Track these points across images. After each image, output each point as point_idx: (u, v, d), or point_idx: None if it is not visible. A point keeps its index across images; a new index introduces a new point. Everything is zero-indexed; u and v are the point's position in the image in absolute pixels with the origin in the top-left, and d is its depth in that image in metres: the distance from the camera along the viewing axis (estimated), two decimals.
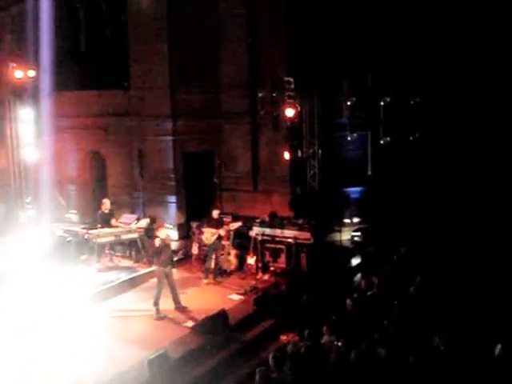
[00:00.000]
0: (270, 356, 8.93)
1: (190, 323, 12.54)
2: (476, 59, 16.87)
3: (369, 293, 12.07)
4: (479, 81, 16.91)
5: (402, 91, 17.33)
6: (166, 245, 13.52)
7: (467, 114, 17.22)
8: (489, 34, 16.59)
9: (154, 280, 13.86)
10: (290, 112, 16.42)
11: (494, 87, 16.91)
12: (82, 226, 17.44)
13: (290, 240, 15.73)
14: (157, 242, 13.41)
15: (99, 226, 16.13)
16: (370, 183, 17.86)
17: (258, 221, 16.38)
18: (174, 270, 13.66)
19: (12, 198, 18.36)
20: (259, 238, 15.98)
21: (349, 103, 16.64)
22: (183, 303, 13.65)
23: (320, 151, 17.35)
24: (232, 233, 15.97)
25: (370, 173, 17.82)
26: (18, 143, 18.16)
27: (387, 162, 17.70)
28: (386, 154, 17.70)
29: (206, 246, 15.78)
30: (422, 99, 17.58)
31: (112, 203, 16.66)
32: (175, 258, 16.55)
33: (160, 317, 13.11)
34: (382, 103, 17.26)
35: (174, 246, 17.40)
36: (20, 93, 17.68)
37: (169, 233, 14.24)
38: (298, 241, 15.61)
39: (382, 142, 17.57)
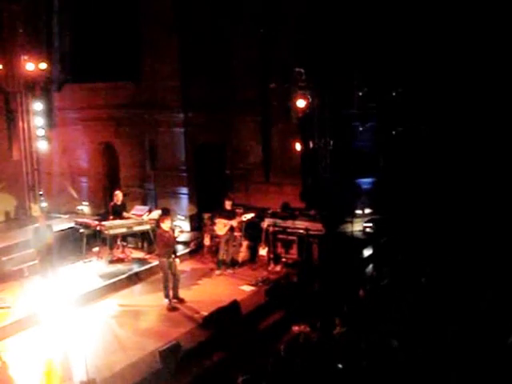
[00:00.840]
0: (282, 347, 8.93)
1: (202, 314, 12.55)
2: (489, 49, 16.71)
3: (381, 284, 12.05)
4: (492, 71, 16.75)
5: (413, 82, 17.21)
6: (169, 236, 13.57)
7: (480, 104, 17.07)
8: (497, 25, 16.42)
9: None
10: (301, 103, 16.36)
11: (505, 78, 16.76)
12: (94, 218, 17.52)
13: (301, 231, 15.71)
14: (176, 232, 13.51)
15: (111, 217, 16.18)
16: (382, 174, 17.78)
17: (269, 212, 16.37)
18: (178, 261, 13.65)
19: (25, 191, 18.47)
20: (271, 229, 15.97)
21: (360, 94, 16.57)
22: (194, 294, 13.74)
23: (331, 142, 17.28)
24: (244, 224, 15.99)
25: (381, 163, 17.73)
26: (30, 136, 18.31)
27: (399, 152, 17.61)
28: (398, 145, 17.60)
29: (218, 237, 15.82)
30: (434, 89, 17.44)
31: (124, 195, 16.71)
32: (187, 250, 16.70)
33: (172, 308, 13.16)
34: (393, 93, 17.16)
35: (186, 237, 17.50)
36: (32, 85, 17.77)
37: (171, 224, 14.22)
38: (310, 232, 15.58)
39: (393, 132, 17.47)
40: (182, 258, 15.84)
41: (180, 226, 17.60)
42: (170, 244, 13.47)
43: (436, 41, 16.71)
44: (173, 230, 13.77)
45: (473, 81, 16.60)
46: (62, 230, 16.68)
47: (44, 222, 13.62)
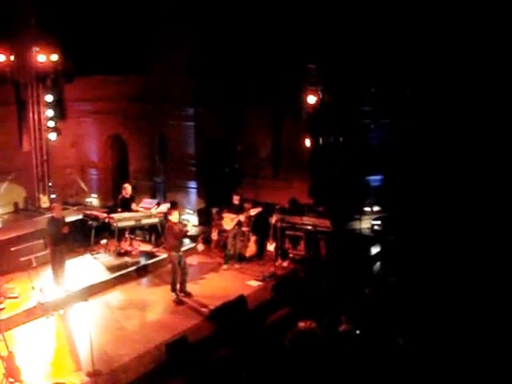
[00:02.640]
0: (288, 343, 8.93)
1: (209, 308, 12.57)
2: (501, 47, 16.60)
3: (388, 281, 12.03)
4: (505, 69, 16.64)
5: (427, 79, 17.11)
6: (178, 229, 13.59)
7: (492, 102, 16.97)
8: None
9: None
10: (311, 99, 16.32)
11: None
12: (103, 210, 17.55)
13: (309, 227, 15.72)
14: (190, 226, 13.51)
15: (120, 210, 16.21)
16: (392, 172, 17.71)
17: (278, 207, 16.36)
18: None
19: (34, 182, 18.51)
20: (279, 224, 15.95)
21: (373, 90, 16.49)
22: (202, 288, 13.80)
23: (341, 139, 17.23)
24: (252, 219, 16.00)
25: (392, 161, 17.65)
26: (40, 127, 18.32)
27: (410, 150, 17.52)
28: (410, 142, 17.51)
29: (225, 231, 15.84)
30: (448, 87, 17.33)
31: (133, 188, 16.73)
32: (195, 244, 16.71)
33: (178, 302, 13.18)
34: (406, 90, 17.06)
35: (194, 231, 17.51)
36: (43, 77, 17.80)
37: (179, 217, 14.24)
38: (318, 228, 15.58)
39: (405, 129, 17.37)
40: (190, 252, 15.86)
41: (188, 220, 17.63)
42: (179, 237, 13.50)
43: (449, 38, 16.60)
44: (182, 224, 13.78)
45: (487, 79, 16.48)
46: (71, 222, 16.70)
47: (60, 213, 13.69)
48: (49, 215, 13.99)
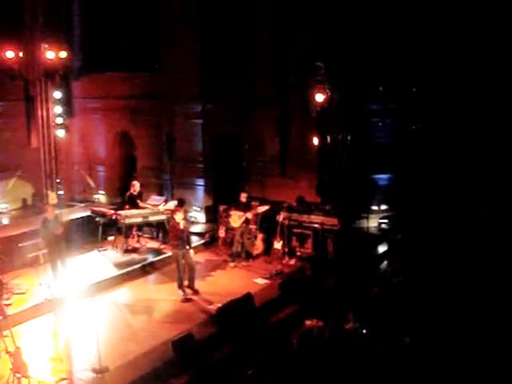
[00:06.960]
0: (295, 341, 8.93)
1: (215, 306, 12.57)
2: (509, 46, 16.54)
3: (394, 280, 12.01)
4: None
5: (434, 78, 17.07)
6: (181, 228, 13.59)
7: (502, 102, 16.90)
8: None
9: None
10: (319, 97, 16.27)
11: None
12: (110, 207, 17.59)
13: (316, 225, 15.71)
14: (181, 225, 13.44)
15: (127, 207, 16.23)
16: (399, 170, 17.67)
17: (285, 205, 16.35)
18: (192, 252, 13.66)
19: (42, 178, 18.58)
20: (286, 222, 15.94)
21: (381, 89, 16.46)
22: (208, 285, 13.82)
23: (349, 137, 17.19)
24: (259, 217, 16.00)
25: (400, 160, 17.60)
26: (48, 124, 18.38)
27: (418, 149, 17.48)
28: (417, 141, 17.47)
29: (233, 229, 15.84)
30: (455, 86, 17.28)
31: (141, 185, 16.75)
32: (202, 241, 16.72)
33: (185, 299, 13.19)
34: (414, 89, 17.02)
35: (201, 228, 17.53)
36: (51, 74, 17.85)
37: (185, 215, 14.23)
38: (325, 226, 15.57)
39: (413, 127, 17.33)
40: (197, 249, 15.86)
41: (196, 218, 17.68)
42: (181, 235, 13.47)
43: (456, 37, 16.55)
44: (187, 221, 13.75)
45: (495, 78, 16.41)
46: (78, 219, 16.77)
47: (52, 214, 13.41)
48: (42, 216, 13.74)
